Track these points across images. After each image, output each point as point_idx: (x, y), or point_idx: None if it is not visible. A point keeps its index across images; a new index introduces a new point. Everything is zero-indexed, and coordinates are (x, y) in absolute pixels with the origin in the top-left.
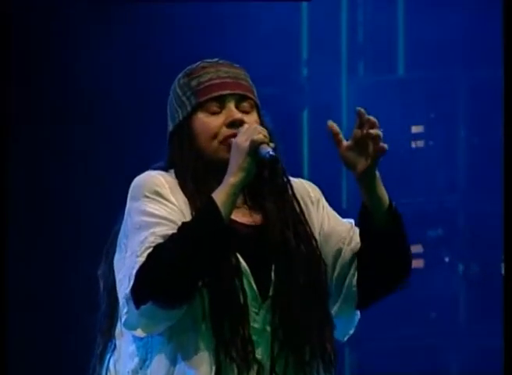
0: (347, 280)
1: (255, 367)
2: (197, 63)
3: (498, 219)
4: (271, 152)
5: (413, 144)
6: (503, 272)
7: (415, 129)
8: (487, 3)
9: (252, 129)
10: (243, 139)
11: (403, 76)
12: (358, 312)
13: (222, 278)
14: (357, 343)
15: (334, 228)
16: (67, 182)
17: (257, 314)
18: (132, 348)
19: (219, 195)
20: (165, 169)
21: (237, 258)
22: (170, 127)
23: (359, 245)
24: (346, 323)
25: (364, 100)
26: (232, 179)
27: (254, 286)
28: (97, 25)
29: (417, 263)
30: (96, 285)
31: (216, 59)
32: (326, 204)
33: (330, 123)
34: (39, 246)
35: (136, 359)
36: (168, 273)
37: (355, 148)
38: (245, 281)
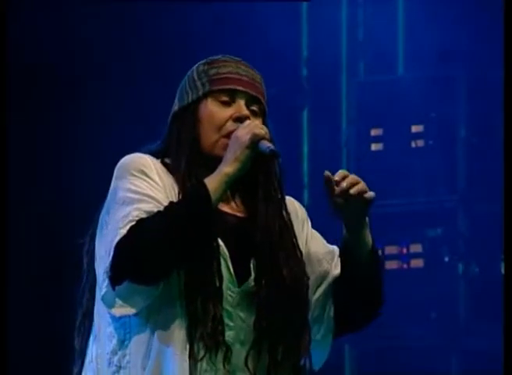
0: (327, 307)
1: (223, 349)
2: (220, 55)
3: (498, 219)
4: (271, 147)
5: (413, 144)
6: (503, 271)
7: (415, 128)
8: (487, 2)
9: (254, 124)
10: (243, 132)
11: (402, 76)
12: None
13: (200, 258)
14: (356, 342)
15: (317, 251)
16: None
17: (232, 297)
18: (110, 329)
19: (211, 181)
20: (156, 153)
21: (217, 242)
22: (176, 107)
23: (339, 273)
24: (323, 351)
25: (363, 100)
26: (226, 168)
27: (232, 270)
28: (95, 23)
29: (417, 263)
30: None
31: (239, 58)
32: (310, 227)
33: (326, 173)
34: (39, 243)
35: (115, 340)
36: (149, 249)
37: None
38: (223, 263)
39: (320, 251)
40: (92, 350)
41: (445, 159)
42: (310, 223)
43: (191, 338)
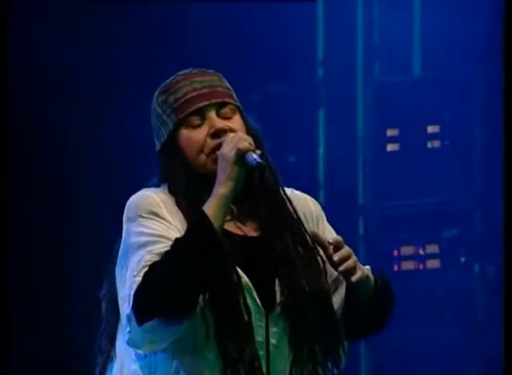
0: (339, 309)
1: None
2: (171, 78)
3: None
4: (257, 159)
5: (429, 144)
6: None
7: (431, 129)
8: (506, 2)
9: (237, 138)
10: (228, 149)
11: (419, 76)
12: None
13: (224, 296)
14: (372, 342)
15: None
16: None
17: (261, 328)
18: (134, 367)
19: (210, 207)
20: (159, 184)
21: (238, 274)
22: (157, 146)
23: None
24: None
25: (379, 100)
26: (221, 190)
27: (258, 300)
28: (92, 24)
29: (433, 263)
30: (98, 305)
31: (189, 70)
32: (328, 225)
33: (314, 234)
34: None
35: None
36: (165, 291)
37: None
38: (248, 296)
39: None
40: None
41: (461, 160)
42: (325, 220)
43: None
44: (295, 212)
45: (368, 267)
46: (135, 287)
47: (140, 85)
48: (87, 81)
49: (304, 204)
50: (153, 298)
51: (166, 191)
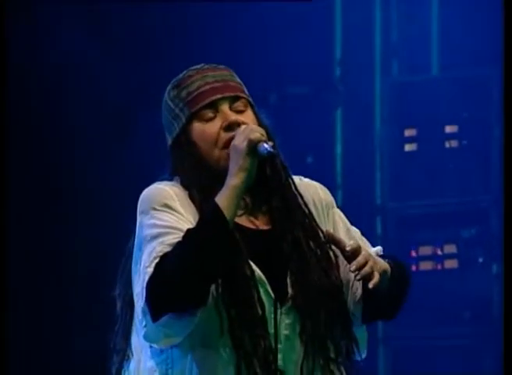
0: (356, 295)
1: None
2: (183, 73)
3: None
4: (268, 149)
5: (447, 144)
6: None
7: (449, 128)
8: None
9: (248, 129)
10: (240, 140)
11: (437, 76)
12: (366, 331)
13: (238, 291)
14: (390, 341)
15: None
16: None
17: (275, 320)
18: (150, 363)
19: (222, 198)
20: (171, 179)
21: (251, 268)
22: (169, 140)
23: None
24: (359, 342)
25: (397, 100)
26: (233, 181)
27: (271, 293)
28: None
29: (452, 263)
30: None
31: (201, 65)
32: (339, 211)
33: (327, 233)
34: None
35: (157, 374)
36: (175, 281)
37: None
38: (261, 290)
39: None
40: None
41: (479, 159)
42: (335, 206)
43: (240, 373)
44: (306, 207)
45: (379, 248)
46: (147, 278)
47: (152, 87)
48: (91, 80)
49: (314, 191)
50: (164, 288)
51: (179, 185)
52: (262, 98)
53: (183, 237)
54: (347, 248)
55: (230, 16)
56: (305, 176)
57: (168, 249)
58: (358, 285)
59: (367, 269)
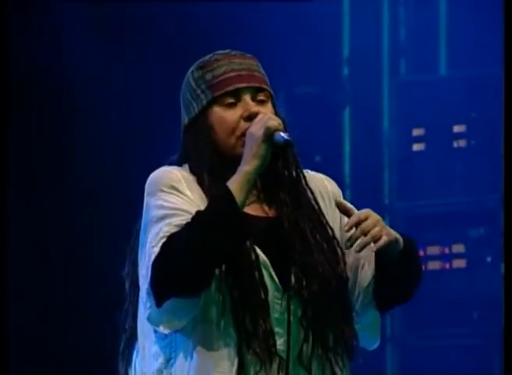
0: (369, 288)
1: (277, 359)
2: (210, 55)
3: None
4: (285, 137)
5: (455, 144)
6: None
7: (457, 128)
8: None
9: (266, 117)
10: (257, 128)
11: (444, 75)
12: (379, 319)
13: (241, 273)
14: (398, 341)
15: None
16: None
17: (279, 305)
18: (155, 348)
19: (233, 183)
20: (179, 163)
21: (255, 252)
22: (185, 120)
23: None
24: (371, 329)
25: (405, 99)
26: (246, 167)
27: (275, 277)
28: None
29: (459, 263)
30: (120, 284)
31: (228, 50)
32: (346, 202)
33: (342, 202)
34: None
35: (161, 359)
36: (182, 261)
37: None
38: (265, 273)
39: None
40: (137, 369)
41: (487, 159)
42: (341, 197)
43: (241, 354)
44: (316, 201)
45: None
46: (153, 257)
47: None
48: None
49: (321, 183)
50: (171, 267)
51: (188, 170)
52: None
53: (192, 218)
54: (356, 217)
55: (238, 16)
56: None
57: (175, 230)
58: (368, 270)
59: (376, 230)
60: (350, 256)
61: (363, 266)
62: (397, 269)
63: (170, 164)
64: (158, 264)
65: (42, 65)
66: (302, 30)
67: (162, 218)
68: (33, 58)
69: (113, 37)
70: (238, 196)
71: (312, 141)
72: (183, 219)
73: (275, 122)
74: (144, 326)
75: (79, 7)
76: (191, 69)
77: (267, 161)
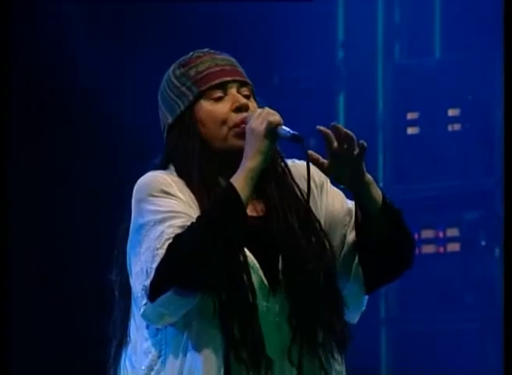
0: (354, 268)
1: (264, 364)
2: (190, 54)
3: None
4: (291, 131)
5: (449, 127)
6: None
7: (452, 112)
8: None
9: (266, 112)
10: (257, 123)
11: (439, 59)
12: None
13: (230, 275)
14: (393, 324)
15: (338, 213)
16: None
17: (267, 307)
18: (146, 344)
19: (237, 180)
20: (164, 165)
21: (244, 253)
22: (169, 120)
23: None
24: (356, 305)
25: (399, 83)
26: (249, 163)
27: (264, 279)
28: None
29: (454, 247)
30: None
31: (207, 49)
32: (331, 187)
33: (310, 152)
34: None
35: (151, 356)
36: (192, 261)
37: (337, 163)
38: (254, 276)
39: (338, 216)
40: (127, 365)
41: (482, 142)
42: (329, 183)
43: (227, 359)
44: (299, 189)
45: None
46: (158, 259)
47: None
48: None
49: (304, 171)
50: (178, 268)
51: (174, 173)
52: (264, 81)
53: (198, 217)
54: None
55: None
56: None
57: (179, 231)
58: (353, 254)
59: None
60: (336, 236)
61: (345, 234)
62: (380, 227)
63: (154, 168)
64: (165, 265)
65: (44, 63)
66: (296, 14)
67: (161, 221)
68: (36, 57)
69: (116, 37)
70: (243, 193)
71: (307, 124)
72: (184, 220)
73: (276, 116)
74: (136, 322)
75: (80, 7)
76: (171, 68)
77: (270, 156)
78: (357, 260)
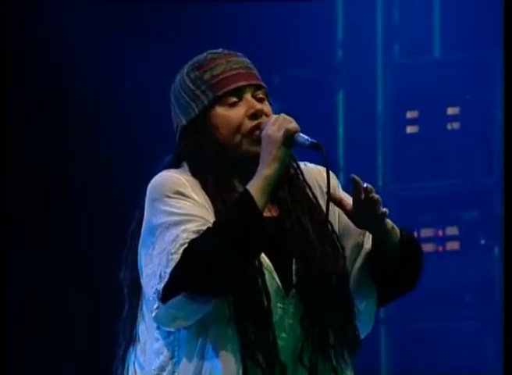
0: (366, 279)
1: (279, 367)
2: (204, 55)
3: None
4: (310, 139)
5: (448, 126)
6: None
7: (451, 111)
8: None
9: (282, 119)
10: (274, 130)
11: (438, 58)
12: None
13: (244, 279)
14: (392, 324)
15: (350, 222)
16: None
17: (281, 308)
18: (157, 345)
19: (254, 187)
20: (176, 164)
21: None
22: (183, 121)
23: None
24: (367, 321)
25: (399, 82)
26: (266, 171)
27: (278, 281)
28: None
29: (453, 245)
30: (116, 289)
31: (220, 50)
32: (343, 193)
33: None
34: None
35: (162, 357)
36: (207, 269)
37: (359, 210)
38: (268, 278)
39: (351, 224)
40: (135, 366)
41: (481, 141)
42: (341, 189)
43: (244, 362)
44: (311, 191)
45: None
46: (173, 264)
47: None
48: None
49: (319, 176)
50: (193, 273)
51: (188, 173)
52: (264, 80)
53: (214, 223)
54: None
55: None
56: (310, 162)
57: (194, 236)
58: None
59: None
60: (350, 240)
61: (362, 244)
62: (396, 259)
63: (165, 166)
64: (180, 270)
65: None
66: (296, 13)
67: (176, 224)
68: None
69: (116, 37)
70: (259, 201)
71: (306, 124)
72: (199, 224)
73: (293, 124)
74: (145, 322)
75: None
76: (185, 70)
77: (286, 163)
78: (368, 279)
